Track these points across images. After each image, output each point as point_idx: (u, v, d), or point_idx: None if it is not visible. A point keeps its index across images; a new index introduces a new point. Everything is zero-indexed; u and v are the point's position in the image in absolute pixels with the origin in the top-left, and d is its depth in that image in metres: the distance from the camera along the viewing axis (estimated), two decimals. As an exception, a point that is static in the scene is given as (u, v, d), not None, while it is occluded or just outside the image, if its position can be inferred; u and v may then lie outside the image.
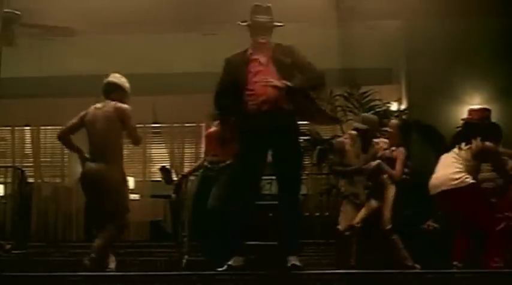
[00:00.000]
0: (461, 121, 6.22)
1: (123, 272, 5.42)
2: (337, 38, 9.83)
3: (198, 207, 6.77)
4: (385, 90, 10.21)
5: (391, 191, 6.47)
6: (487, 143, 5.84)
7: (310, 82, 5.12)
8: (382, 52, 10.40)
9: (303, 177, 10.81)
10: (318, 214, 10.26)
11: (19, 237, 10.09)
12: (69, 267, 6.63)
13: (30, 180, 11.79)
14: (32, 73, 11.53)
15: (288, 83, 4.96)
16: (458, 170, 5.77)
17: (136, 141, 5.97)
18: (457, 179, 5.74)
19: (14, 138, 12.60)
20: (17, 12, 8.57)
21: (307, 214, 10.41)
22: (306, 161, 10.37)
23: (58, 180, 12.31)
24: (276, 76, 5.05)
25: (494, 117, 9.51)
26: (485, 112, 6.40)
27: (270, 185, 10.13)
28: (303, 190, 10.95)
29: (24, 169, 11.13)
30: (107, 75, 6.21)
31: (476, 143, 5.81)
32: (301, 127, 10.06)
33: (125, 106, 5.90)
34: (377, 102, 9.61)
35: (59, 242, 10.50)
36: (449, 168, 5.83)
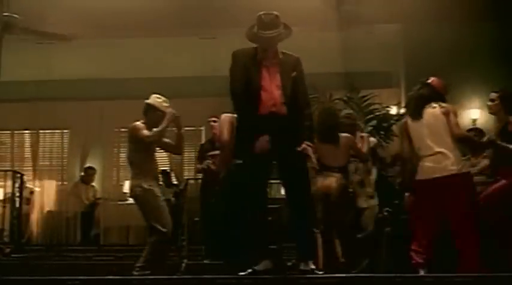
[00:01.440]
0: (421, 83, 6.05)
1: (122, 276, 5.41)
2: (337, 42, 9.86)
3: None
4: (384, 93, 10.23)
5: None
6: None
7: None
8: (381, 56, 10.42)
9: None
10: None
11: (18, 241, 10.08)
12: (68, 271, 6.62)
13: (29, 184, 11.80)
14: (31, 77, 11.56)
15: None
16: (455, 150, 5.56)
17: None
18: (458, 163, 5.49)
19: (13, 141, 12.63)
20: (16, 15, 8.57)
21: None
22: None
23: (57, 184, 12.33)
24: (279, 84, 5.06)
25: (493, 121, 9.53)
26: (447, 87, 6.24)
27: (269, 188, 10.15)
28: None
29: (23, 172, 11.13)
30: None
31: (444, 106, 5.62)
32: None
33: (133, 124, 6.07)
34: (376, 106, 9.63)
35: (58, 246, 10.49)
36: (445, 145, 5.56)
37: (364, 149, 6.77)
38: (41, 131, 12.42)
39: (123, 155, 12.67)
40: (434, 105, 5.71)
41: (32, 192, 11.71)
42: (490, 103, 6.24)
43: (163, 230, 5.85)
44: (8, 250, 9.45)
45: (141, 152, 6.08)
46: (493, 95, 6.21)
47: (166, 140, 6.28)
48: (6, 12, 8.49)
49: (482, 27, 9.55)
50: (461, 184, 5.45)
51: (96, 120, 12.16)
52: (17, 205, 10.38)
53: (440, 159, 5.52)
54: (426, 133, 5.64)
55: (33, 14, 8.94)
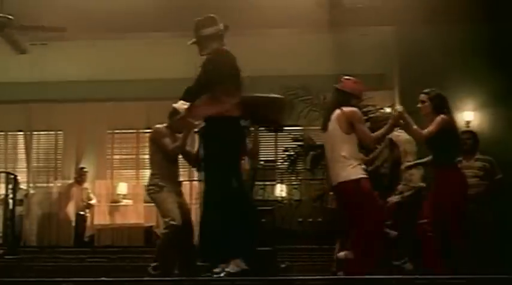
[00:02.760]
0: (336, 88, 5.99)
1: (116, 278, 5.40)
2: (331, 44, 9.85)
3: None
4: (378, 95, 10.20)
5: None
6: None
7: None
8: (375, 58, 10.43)
9: (296, 183, 10.96)
10: (310, 219, 10.26)
11: (11, 243, 10.05)
12: (61, 273, 6.61)
13: (23, 185, 11.77)
14: (25, 79, 11.55)
15: None
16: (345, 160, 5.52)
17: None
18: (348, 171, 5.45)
19: (6, 143, 12.61)
20: (9, 16, 8.53)
21: (300, 219, 10.42)
22: (299, 167, 10.39)
23: (51, 185, 12.30)
24: None
25: (488, 122, 9.55)
26: (361, 85, 6.13)
27: (263, 190, 10.17)
28: (297, 195, 11.02)
29: (16, 174, 11.10)
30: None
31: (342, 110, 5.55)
32: (294, 133, 10.23)
33: (156, 128, 6.33)
34: (370, 108, 9.61)
35: (51, 248, 10.46)
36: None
37: None
38: (34, 132, 12.39)
39: (116, 157, 12.67)
40: (337, 111, 5.63)
41: (26, 194, 11.69)
42: (420, 105, 6.18)
43: (173, 223, 5.95)
44: (0, 252, 9.44)
45: (161, 154, 6.23)
46: (423, 96, 6.14)
47: (188, 149, 6.35)
48: (0, 13, 8.45)
49: (476, 29, 9.55)
50: (350, 190, 5.44)
51: (90, 121, 12.15)
52: (11, 206, 10.37)
53: (332, 169, 5.58)
54: (327, 143, 5.71)
55: (26, 14, 8.91)
